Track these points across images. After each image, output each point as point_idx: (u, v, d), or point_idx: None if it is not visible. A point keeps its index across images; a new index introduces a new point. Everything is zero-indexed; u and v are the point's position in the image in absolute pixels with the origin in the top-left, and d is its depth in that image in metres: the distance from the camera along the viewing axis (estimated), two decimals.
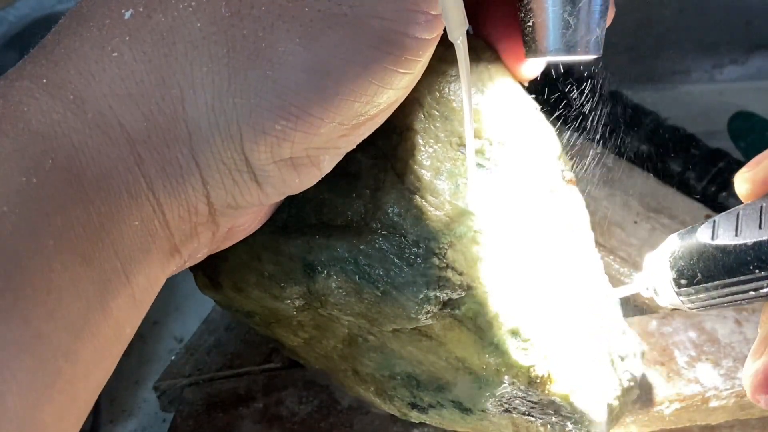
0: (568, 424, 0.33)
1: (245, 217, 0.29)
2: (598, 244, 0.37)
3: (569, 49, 0.31)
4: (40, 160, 0.22)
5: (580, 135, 0.54)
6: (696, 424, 0.39)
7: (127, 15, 0.24)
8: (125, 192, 0.24)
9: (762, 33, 0.66)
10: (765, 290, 0.27)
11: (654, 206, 0.49)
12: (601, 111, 0.57)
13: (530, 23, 0.31)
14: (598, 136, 0.54)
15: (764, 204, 0.28)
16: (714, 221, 0.29)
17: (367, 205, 0.31)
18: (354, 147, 0.28)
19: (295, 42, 0.24)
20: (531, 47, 0.32)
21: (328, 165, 0.28)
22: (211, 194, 0.26)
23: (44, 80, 0.24)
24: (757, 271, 0.27)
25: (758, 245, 0.27)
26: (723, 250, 0.28)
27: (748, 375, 0.29)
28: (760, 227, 0.27)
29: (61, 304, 0.22)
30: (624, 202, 0.49)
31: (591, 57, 0.31)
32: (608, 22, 0.31)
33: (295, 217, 0.31)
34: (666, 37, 0.66)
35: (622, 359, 0.35)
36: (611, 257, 0.45)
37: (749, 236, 0.27)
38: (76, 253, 0.22)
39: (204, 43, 0.24)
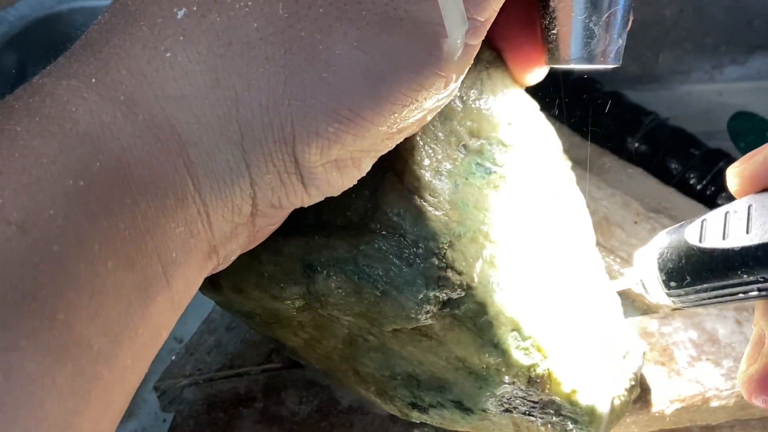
0: (569, 423, 0.33)
1: (279, 217, 0.29)
2: (598, 244, 0.37)
3: (592, 58, 0.31)
4: (88, 162, 0.22)
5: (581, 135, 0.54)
6: (696, 424, 0.39)
7: (180, 14, 0.24)
8: (171, 194, 0.24)
9: (762, 33, 0.66)
10: (753, 294, 0.27)
11: (654, 206, 0.49)
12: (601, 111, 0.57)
13: (554, 31, 0.31)
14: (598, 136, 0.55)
15: (752, 204, 0.28)
16: (702, 221, 0.29)
17: (367, 205, 0.31)
18: (392, 149, 0.28)
19: (352, 45, 0.24)
20: (554, 55, 0.32)
21: (366, 166, 0.28)
22: (257, 195, 0.26)
23: (93, 80, 0.23)
24: (744, 276, 0.27)
25: (745, 251, 0.27)
26: (711, 254, 0.28)
27: (743, 380, 0.29)
28: (747, 231, 0.27)
29: (102, 308, 0.22)
30: (624, 203, 0.49)
31: (610, 67, 0.31)
32: (627, 31, 0.31)
33: (294, 218, 0.31)
34: (666, 37, 0.66)
35: (623, 359, 0.35)
36: (612, 257, 0.45)
37: (736, 241, 0.27)
38: (120, 257, 0.22)
39: (261, 44, 0.24)
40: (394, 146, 0.28)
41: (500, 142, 0.33)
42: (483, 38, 0.26)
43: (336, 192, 0.28)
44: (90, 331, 0.21)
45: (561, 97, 0.54)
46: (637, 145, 0.56)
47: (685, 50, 0.67)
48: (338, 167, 0.26)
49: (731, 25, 0.65)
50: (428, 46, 0.24)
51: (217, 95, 0.24)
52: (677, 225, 0.31)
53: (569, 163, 0.37)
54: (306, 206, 0.28)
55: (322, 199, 0.28)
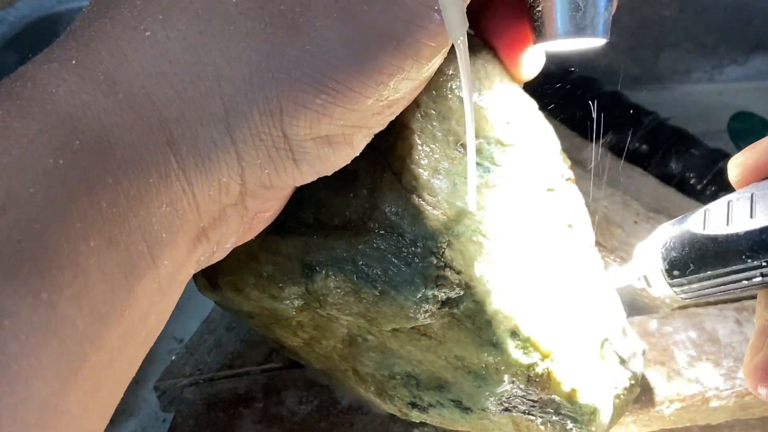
0: (568, 422, 0.33)
1: (272, 201, 0.28)
2: (598, 244, 0.37)
3: (579, 31, 0.31)
4: (68, 141, 0.22)
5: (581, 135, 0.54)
6: (696, 423, 0.39)
7: None
8: (154, 172, 0.24)
9: (762, 33, 0.66)
10: (757, 279, 0.27)
11: (654, 206, 0.49)
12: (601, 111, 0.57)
13: (539, 8, 0.31)
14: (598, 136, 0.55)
15: (755, 192, 0.28)
16: (705, 211, 0.29)
17: (365, 204, 0.31)
18: (383, 128, 0.28)
19: (332, 17, 0.24)
20: (540, 32, 0.32)
21: (359, 145, 0.28)
22: (245, 172, 0.26)
23: (73, 62, 0.23)
24: (749, 260, 0.27)
25: (750, 234, 0.27)
26: (714, 240, 0.28)
27: (748, 370, 0.29)
28: (751, 216, 0.27)
29: (86, 288, 0.22)
30: (624, 202, 0.49)
31: (600, 41, 0.31)
32: (614, 8, 0.31)
33: (293, 217, 0.31)
34: (666, 37, 0.66)
35: (623, 358, 0.35)
36: (612, 257, 0.45)
37: (741, 225, 0.27)
38: (103, 236, 0.22)
39: (240, 19, 0.24)
40: (386, 124, 0.28)
41: (499, 142, 0.33)
42: (464, 7, 0.26)
43: (329, 170, 0.28)
44: (74, 311, 0.21)
45: (561, 97, 0.54)
46: (637, 145, 0.56)
47: (685, 50, 0.67)
48: (330, 143, 0.26)
49: (731, 25, 0.65)
50: (408, 15, 0.24)
51: (198, 71, 0.24)
52: (679, 217, 0.31)
53: (568, 163, 0.37)
54: (298, 184, 0.28)
55: (315, 178, 0.28)
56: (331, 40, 0.24)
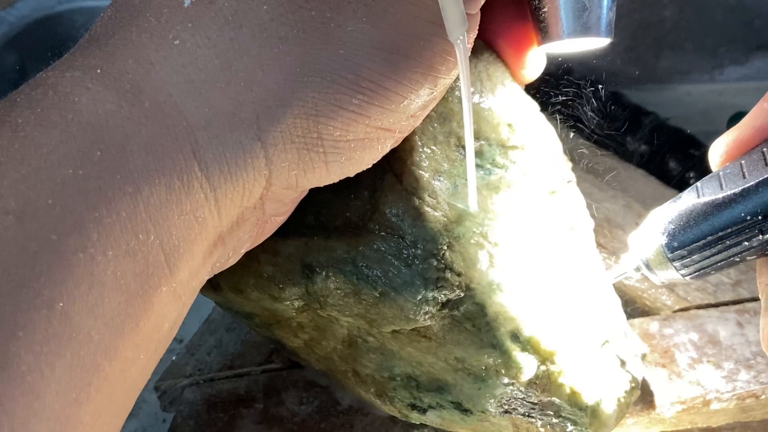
0: (569, 425, 0.33)
1: (289, 204, 0.29)
2: (600, 245, 0.37)
3: (585, 31, 0.31)
4: (89, 151, 0.22)
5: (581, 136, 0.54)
6: (697, 426, 0.39)
7: (187, 3, 0.24)
8: (177, 180, 0.23)
9: (762, 33, 0.66)
10: (758, 238, 0.27)
11: (656, 207, 0.49)
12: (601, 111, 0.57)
13: (545, 9, 0.31)
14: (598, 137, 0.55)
15: (742, 160, 0.28)
16: (697, 185, 0.29)
17: (366, 206, 0.31)
18: (409, 133, 0.29)
19: (362, 21, 0.24)
20: (546, 32, 0.32)
21: (387, 148, 0.28)
22: (273, 174, 0.26)
23: (98, 70, 0.23)
24: (748, 217, 0.27)
25: (745, 191, 0.27)
26: (712, 204, 0.28)
27: (766, 335, 0.29)
28: (744, 177, 0.28)
29: (102, 298, 0.22)
30: (625, 204, 0.49)
31: (604, 41, 0.31)
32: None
33: (293, 218, 0.31)
34: (666, 37, 0.66)
35: (624, 361, 0.35)
36: (613, 259, 0.45)
37: (735, 186, 0.28)
38: (120, 246, 0.22)
39: (272, 25, 0.24)
40: (411, 130, 0.29)
41: (500, 143, 0.33)
42: (479, 7, 0.27)
43: (353, 172, 0.28)
44: (89, 322, 0.21)
45: (560, 98, 0.54)
46: (637, 145, 0.56)
47: (685, 50, 0.67)
48: (364, 146, 0.27)
49: (731, 26, 0.65)
50: (431, 16, 0.25)
51: (228, 77, 0.24)
52: (670, 200, 0.31)
53: (570, 164, 0.37)
54: (323, 184, 0.28)
55: (339, 179, 0.28)
56: (363, 44, 0.24)
